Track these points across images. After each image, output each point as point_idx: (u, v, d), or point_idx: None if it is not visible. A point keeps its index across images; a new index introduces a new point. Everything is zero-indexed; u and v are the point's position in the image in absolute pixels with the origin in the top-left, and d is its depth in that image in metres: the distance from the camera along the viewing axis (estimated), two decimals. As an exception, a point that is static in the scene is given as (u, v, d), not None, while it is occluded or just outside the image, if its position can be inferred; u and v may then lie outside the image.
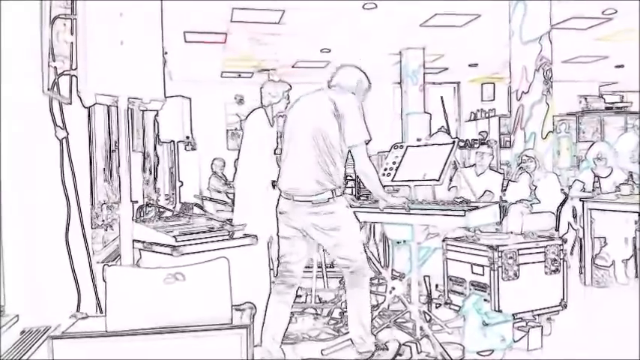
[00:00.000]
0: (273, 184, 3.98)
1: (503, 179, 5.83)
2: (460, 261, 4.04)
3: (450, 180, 5.50)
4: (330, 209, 3.09)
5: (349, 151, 3.14)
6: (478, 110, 11.88)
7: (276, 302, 3.21)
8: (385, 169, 3.95)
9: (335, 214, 3.10)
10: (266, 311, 3.18)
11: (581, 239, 5.23)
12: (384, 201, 3.36)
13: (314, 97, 3.26)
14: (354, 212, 3.29)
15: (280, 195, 3.21)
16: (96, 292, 2.90)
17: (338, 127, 3.08)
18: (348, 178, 4.64)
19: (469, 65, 10.79)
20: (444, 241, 4.17)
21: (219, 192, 8.23)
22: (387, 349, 3.31)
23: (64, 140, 2.72)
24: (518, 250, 3.83)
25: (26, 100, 2.53)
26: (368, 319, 3.24)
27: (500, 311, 3.68)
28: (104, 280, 2.23)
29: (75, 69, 2.60)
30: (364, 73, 3.34)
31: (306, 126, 3.12)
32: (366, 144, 3.12)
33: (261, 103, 4.15)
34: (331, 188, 3.09)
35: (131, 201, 2.76)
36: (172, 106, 4.74)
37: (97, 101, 2.56)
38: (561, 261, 3.96)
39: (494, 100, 12.12)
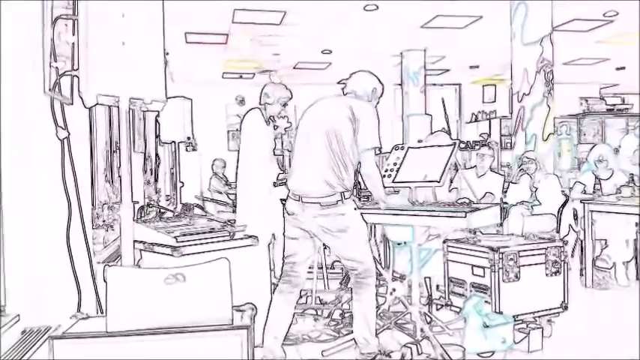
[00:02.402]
0: (274, 184, 3.98)
1: (504, 181, 5.83)
2: (461, 262, 4.04)
3: (451, 181, 5.50)
4: (339, 211, 3.11)
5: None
6: (479, 112, 11.88)
7: (280, 301, 3.22)
8: (386, 170, 3.95)
9: (344, 216, 3.12)
10: (269, 310, 3.19)
11: (581, 241, 5.23)
12: (384, 203, 3.37)
13: (331, 101, 3.28)
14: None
15: (288, 196, 3.22)
16: (96, 292, 2.90)
17: (353, 132, 3.11)
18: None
19: (470, 67, 10.80)
20: (444, 242, 4.17)
21: (219, 193, 8.24)
22: (390, 357, 3.32)
23: (65, 140, 2.72)
24: (519, 251, 3.83)
25: (27, 100, 2.53)
26: (373, 321, 3.26)
27: (500, 313, 3.68)
28: (105, 281, 2.23)
29: (76, 69, 2.59)
30: (377, 77, 3.38)
31: (322, 128, 3.14)
32: (376, 153, 3.15)
33: (259, 102, 4.15)
34: (341, 191, 3.12)
35: (132, 201, 2.76)
36: (173, 107, 4.74)
37: (98, 102, 2.56)
38: (562, 263, 3.96)
39: (495, 101, 12.13)
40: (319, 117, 3.22)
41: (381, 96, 3.41)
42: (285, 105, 4.13)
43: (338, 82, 3.41)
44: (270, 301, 3.23)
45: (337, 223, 3.11)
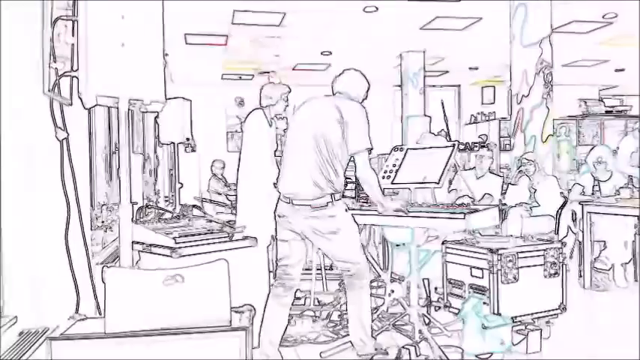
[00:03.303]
0: (274, 184, 3.98)
1: (503, 182, 5.83)
2: (459, 264, 4.04)
3: (450, 183, 5.50)
4: (330, 213, 3.11)
5: (351, 158, 3.15)
6: (478, 113, 11.88)
7: (275, 305, 3.21)
8: (385, 172, 3.96)
9: (334, 218, 3.11)
10: (264, 314, 3.19)
11: (580, 243, 5.23)
12: (382, 206, 3.35)
13: (319, 102, 3.26)
14: (354, 215, 3.29)
15: (279, 198, 3.22)
16: (95, 293, 2.90)
17: (342, 134, 3.09)
18: (348, 180, 4.65)
19: (469, 68, 10.81)
20: (443, 244, 4.17)
21: (218, 194, 8.24)
22: (387, 354, 3.32)
23: (64, 141, 2.72)
24: (517, 253, 3.83)
25: (27, 101, 2.53)
26: (368, 322, 3.25)
27: (499, 314, 3.68)
28: (103, 282, 2.23)
29: (76, 70, 2.60)
30: (364, 75, 3.36)
31: (310, 131, 3.13)
32: (369, 153, 3.13)
33: (260, 104, 4.16)
34: (330, 192, 3.11)
35: (131, 202, 2.76)
36: (173, 108, 4.73)
37: (97, 103, 2.56)
38: (560, 264, 3.96)
39: (494, 103, 12.13)
40: (307, 119, 3.21)
41: (366, 97, 3.38)
42: (287, 100, 4.14)
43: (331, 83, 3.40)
44: (265, 304, 3.23)
45: (328, 225, 3.11)
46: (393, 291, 3.84)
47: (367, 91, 3.37)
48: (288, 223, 3.17)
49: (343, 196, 3.23)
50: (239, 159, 4.19)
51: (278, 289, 3.23)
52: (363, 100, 3.34)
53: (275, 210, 3.25)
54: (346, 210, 3.20)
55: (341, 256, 3.18)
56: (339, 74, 3.36)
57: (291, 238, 3.19)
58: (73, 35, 2.63)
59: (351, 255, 3.17)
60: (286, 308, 3.24)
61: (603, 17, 7.52)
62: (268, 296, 3.26)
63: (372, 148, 3.13)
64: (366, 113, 3.16)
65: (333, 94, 3.33)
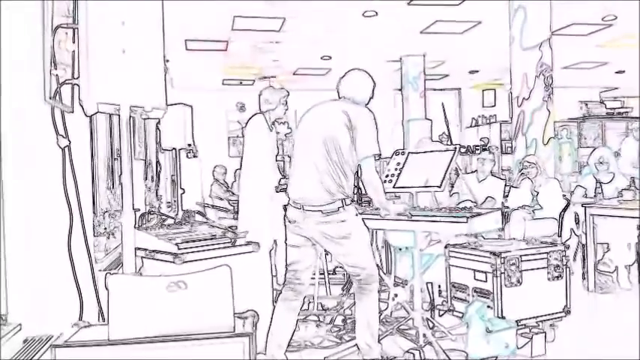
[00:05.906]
0: (277, 189, 3.98)
1: (505, 185, 5.82)
2: (463, 267, 4.03)
3: (452, 186, 5.50)
4: (341, 218, 3.10)
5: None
6: (479, 116, 11.89)
7: (284, 308, 3.21)
8: (387, 176, 3.95)
9: (345, 223, 3.11)
10: (272, 318, 3.18)
11: (583, 245, 5.22)
12: (385, 210, 3.34)
13: (327, 107, 3.24)
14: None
15: (289, 203, 3.21)
16: (98, 300, 2.90)
17: (350, 139, 3.08)
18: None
19: (470, 72, 10.81)
20: (446, 247, 4.17)
21: (220, 199, 8.23)
22: None
23: (66, 149, 2.72)
24: (520, 256, 3.82)
25: (28, 108, 2.53)
26: (376, 327, 3.24)
27: (503, 318, 3.67)
28: (106, 289, 2.22)
29: (77, 77, 2.60)
30: (370, 75, 3.31)
31: (318, 136, 3.11)
32: (376, 159, 3.12)
33: (260, 109, 4.16)
34: (341, 198, 3.10)
35: (133, 209, 2.76)
36: (174, 114, 4.74)
37: (98, 110, 2.56)
38: (564, 267, 3.95)
39: (495, 106, 12.13)
40: (316, 125, 3.19)
41: (373, 95, 3.32)
42: (286, 104, 4.14)
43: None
44: (274, 308, 3.22)
45: (339, 230, 3.10)
46: (396, 295, 3.83)
47: (373, 89, 3.31)
48: (299, 229, 3.16)
49: (352, 201, 3.21)
50: (240, 164, 4.19)
51: (287, 293, 3.23)
52: (370, 99, 3.30)
53: (285, 215, 3.25)
54: (357, 215, 3.19)
55: (351, 261, 3.17)
56: (343, 76, 3.31)
57: (302, 243, 3.18)
58: (73, 42, 2.63)
59: (362, 260, 3.16)
60: (295, 312, 3.23)
61: (603, 19, 7.52)
62: (277, 299, 3.25)
63: (380, 154, 3.11)
64: (374, 118, 3.12)
65: (339, 97, 3.29)
